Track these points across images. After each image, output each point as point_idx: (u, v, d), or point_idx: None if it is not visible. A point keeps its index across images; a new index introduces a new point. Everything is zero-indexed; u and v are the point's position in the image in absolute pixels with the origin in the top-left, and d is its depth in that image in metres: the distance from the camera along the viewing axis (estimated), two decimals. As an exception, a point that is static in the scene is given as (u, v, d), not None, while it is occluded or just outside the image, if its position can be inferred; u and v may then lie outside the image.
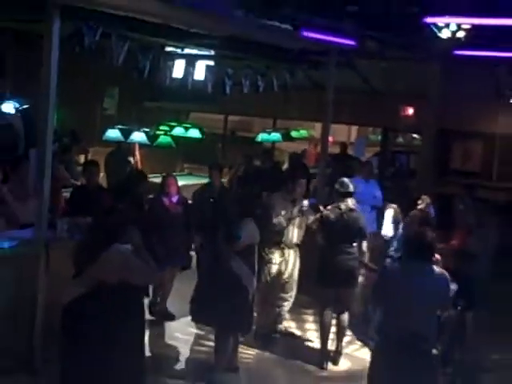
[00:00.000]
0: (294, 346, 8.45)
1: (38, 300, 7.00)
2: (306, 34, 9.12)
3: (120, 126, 13.34)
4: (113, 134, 13.21)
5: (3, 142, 12.20)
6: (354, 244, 7.90)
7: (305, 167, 13.49)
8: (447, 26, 8.59)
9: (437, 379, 5.83)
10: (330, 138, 13.66)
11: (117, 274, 5.23)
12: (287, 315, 8.80)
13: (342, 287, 7.74)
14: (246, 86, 11.18)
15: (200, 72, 10.99)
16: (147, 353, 6.47)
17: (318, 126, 15.33)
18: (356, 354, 7.13)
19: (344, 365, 7.97)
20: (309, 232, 8.50)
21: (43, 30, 7.02)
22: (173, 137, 14.41)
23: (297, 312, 9.20)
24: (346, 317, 7.95)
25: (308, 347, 8.41)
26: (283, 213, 8.22)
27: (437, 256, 6.69)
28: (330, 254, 7.88)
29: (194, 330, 8.36)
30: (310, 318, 8.97)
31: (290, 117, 17.34)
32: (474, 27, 8.65)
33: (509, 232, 11.88)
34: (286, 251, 8.34)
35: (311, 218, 8.35)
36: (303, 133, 18.23)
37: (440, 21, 8.44)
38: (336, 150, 15.66)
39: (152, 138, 13.78)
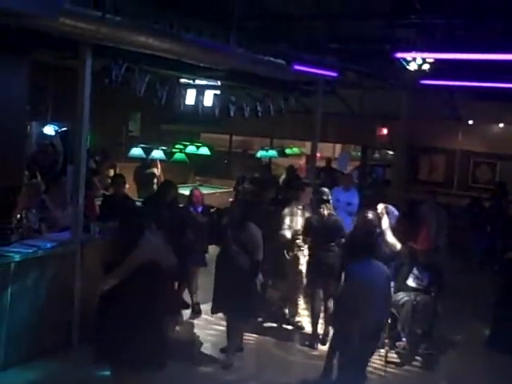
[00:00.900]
0: (289, 330, 8.43)
1: (75, 290, 7.04)
2: (296, 67, 9.16)
3: (142, 145, 13.36)
4: (136, 151, 13.23)
5: (46, 158, 12.24)
6: (333, 243, 7.88)
7: (298, 178, 13.53)
8: (414, 59, 8.59)
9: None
10: (318, 154, 13.67)
11: (151, 258, 5.37)
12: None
13: (326, 278, 7.72)
14: (247, 111, 11.20)
15: (208, 99, 11.02)
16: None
17: (308, 144, 15.33)
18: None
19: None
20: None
21: (78, 65, 7.08)
22: (186, 154, 14.41)
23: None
24: (332, 304, 7.93)
25: (301, 331, 8.38)
26: (289, 223, 8.29)
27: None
28: (315, 252, 7.90)
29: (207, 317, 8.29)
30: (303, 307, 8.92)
31: (284, 137, 17.40)
32: (437, 61, 8.67)
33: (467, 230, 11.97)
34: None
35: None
36: (295, 150, 18.22)
37: (408, 55, 8.45)
38: (323, 163, 15.65)
39: (169, 154, 13.78)
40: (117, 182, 9.29)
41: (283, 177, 13.90)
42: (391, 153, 17.16)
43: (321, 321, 8.02)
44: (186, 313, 8.52)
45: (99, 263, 5.54)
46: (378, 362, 7.40)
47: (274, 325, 8.52)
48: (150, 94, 9.48)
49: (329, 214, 7.97)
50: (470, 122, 14.35)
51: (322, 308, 7.98)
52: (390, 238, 7.46)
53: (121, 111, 15.01)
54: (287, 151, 17.62)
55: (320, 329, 7.97)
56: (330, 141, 17.35)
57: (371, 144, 16.20)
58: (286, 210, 8.40)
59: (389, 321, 7.49)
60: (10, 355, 6.41)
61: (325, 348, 7.32)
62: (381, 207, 7.69)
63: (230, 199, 10.55)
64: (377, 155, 18.97)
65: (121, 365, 5.42)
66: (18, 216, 7.32)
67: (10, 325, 6.37)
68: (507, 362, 7.70)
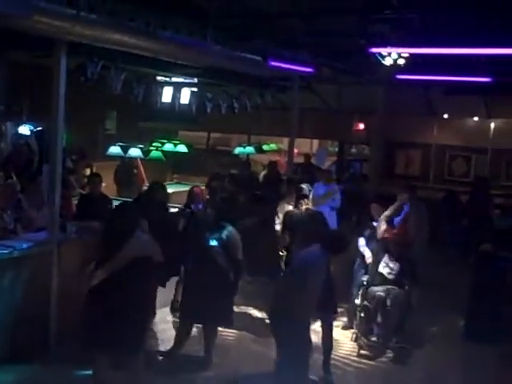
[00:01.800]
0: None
1: (52, 290, 6.97)
2: (272, 63, 9.16)
3: (120, 144, 13.28)
4: (114, 150, 13.15)
5: (21, 158, 12.10)
6: None
7: (278, 173, 13.58)
8: (389, 54, 8.63)
9: None
10: (296, 150, 13.70)
11: (141, 252, 5.54)
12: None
13: None
14: (223, 107, 11.19)
15: (185, 97, 10.98)
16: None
17: (286, 140, 15.35)
18: (319, 329, 7.17)
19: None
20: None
21: (53, 63, 7.00)
22: (163, 151, 14.35)
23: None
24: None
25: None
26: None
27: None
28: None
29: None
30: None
31: (261, 133, 17.35)
32: (412, 55, 8.71)
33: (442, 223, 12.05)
34: None
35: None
36: (273, 146, 18.21)
37: (383, 50, 8.49)
38: (301, 159, 15.68)
39: (146, 152, 13.71)
40: (93, 181, 9.21)
41: (263, 173, 13.92)
42: (368, 148, 17.23)
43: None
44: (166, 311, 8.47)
45: (88, 259, 5.65)
46: (351, 355, 7.46)
47: (253, 319, 8.51)
48: (127, 91, 9.42)
49: (306, 209, 8.03)
50: (445, 116, 14.46)
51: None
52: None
53: (97, 109, 14.88)
54: (265, 147, 17.60)
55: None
56: (307, 136, 17.36)
57: (348, 139, 16.26)
58: (280, 206, 8.48)
59: (362, 314, 7.55)
60: (-14, 356, 6.32)
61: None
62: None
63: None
64: (354, 150, 19.04)
65: (110, 353, 5.57)
66: (-6, 217, 7.24)
67: (-14, 326, 6.29)
68: (482, 352, 7.77)
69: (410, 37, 7.91)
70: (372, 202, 8.47)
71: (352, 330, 7.88)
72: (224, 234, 6.79)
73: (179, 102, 10.91)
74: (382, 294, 7.51)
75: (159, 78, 11.19)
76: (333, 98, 14.64)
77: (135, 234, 5.59)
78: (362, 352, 7.53)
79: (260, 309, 8.65)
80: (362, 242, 8.18)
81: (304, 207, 8.03)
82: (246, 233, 7.21)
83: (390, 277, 7.64)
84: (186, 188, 10.13)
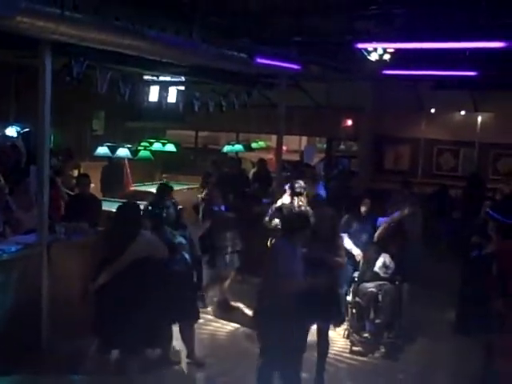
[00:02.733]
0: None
1: (43, 291, 6.94)
2: (259, 60, 9.14)
3: (108, 144, 13.24)
4: (102, 150, 13.12)
5: (8, 160, 12.02)
6: None
7: (268, 171, 13.62)
8: (375, 50, 8.65)
9: None
10: (284, 147, 13.71)
11: (146, 251, 5.71)
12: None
13: None
14: (211, 106, 11.16)
15: (172, 96, 10.96)
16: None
17: (274, 137, 15.35)
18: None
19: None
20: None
21: (39, 64, 6.96)
22: (152, 151, 14.32)
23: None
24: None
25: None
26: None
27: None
28: None
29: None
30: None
31: (250, 131, 17.39)
32: (398, 50, 8.73)
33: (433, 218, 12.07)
34: None
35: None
36: (261, 144, 18.24)
37: (369, 46, 8.50)
38: (290, 157, 15.71)
39: (134, 152, 13.69)
40: (82, 182, 9.19)
41: (253, 170, 13.94)
42: (356, 144, 17.25)
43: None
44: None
45: (92, 258, 5.83)
46: (344, 352, 7.46)
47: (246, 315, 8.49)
48: (114, 91, 9.38)
49: (299, 206, 8.00)
50: (433, 110, 14.51)
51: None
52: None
53: (84, 110, 14.83)
54: (253, 145, 17.62)
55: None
56: (296, 134, 17.38)
57: (336, 135, 16.27)
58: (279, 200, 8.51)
59: (353, 311, 7.56)
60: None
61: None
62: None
63: (200, 196, 10.43)
64: (342, 146, 19.04)
65: (123, 350, 5.82)
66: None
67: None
68: (473, 345, 7.77)
69: (394, 32, 7.93)
70: (365, 197, 8.44)
71: (344, 327, 7.89)
72: (187, 232, 6.93)
73: (166, 100, 10.88)
74: (374, 289, 7.52)
75: (146, 76, 11.15)
76: (321, 96, 14.65)
77: (140, 234, 5.75)
78: (355, 348, 7.54)
79: (252, 307, 8.64)
80: (346, 239, 7.98)
81: (297, 204, 8.02)
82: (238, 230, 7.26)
83: (385, 275, 7.67)
84: (176, 187, 10.13)
